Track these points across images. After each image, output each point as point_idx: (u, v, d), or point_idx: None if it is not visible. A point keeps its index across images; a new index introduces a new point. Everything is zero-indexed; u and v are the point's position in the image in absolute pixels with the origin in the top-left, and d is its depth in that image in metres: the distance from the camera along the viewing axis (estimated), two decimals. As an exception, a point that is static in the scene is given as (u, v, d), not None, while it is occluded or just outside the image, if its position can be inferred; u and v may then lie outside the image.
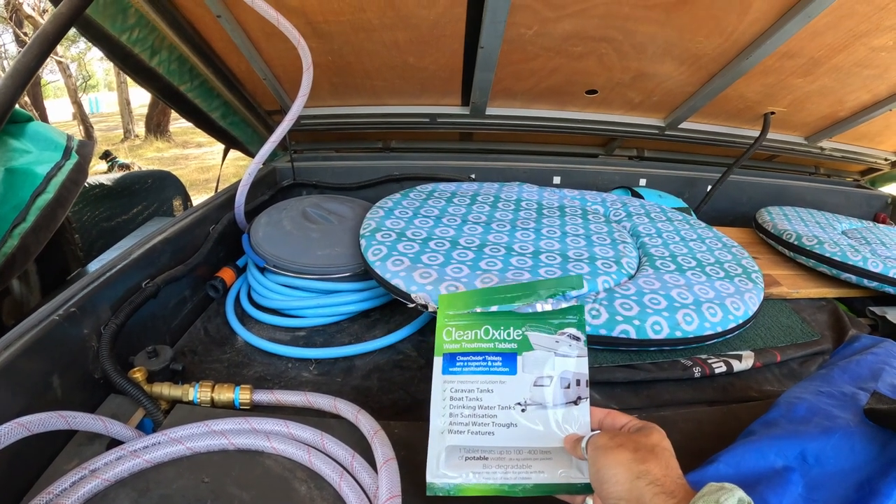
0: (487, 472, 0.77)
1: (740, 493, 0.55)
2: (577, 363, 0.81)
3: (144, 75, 1.75)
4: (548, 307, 0.86)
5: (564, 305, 0.86)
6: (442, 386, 0.82)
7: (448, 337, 0.85)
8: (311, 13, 1.59)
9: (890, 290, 1.53)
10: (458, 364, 0.83)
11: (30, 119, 1.71)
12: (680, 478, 0.63)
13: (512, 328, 0.84)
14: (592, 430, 0.76)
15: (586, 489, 0.74)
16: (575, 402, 0.79)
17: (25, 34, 12.04)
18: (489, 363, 0.82)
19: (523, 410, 0.79)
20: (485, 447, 0.78)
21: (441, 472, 0.77)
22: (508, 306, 0.86)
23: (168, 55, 1.75)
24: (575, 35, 1.69)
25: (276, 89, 1.96)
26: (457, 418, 0.79)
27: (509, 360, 0.82)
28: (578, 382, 0.79)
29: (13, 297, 1.74)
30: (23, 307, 1.75)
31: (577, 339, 0.82)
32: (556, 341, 0.82)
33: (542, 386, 0.80)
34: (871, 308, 1.54)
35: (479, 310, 0.86)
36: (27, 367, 0.90)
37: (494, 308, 0.86)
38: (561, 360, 0.81)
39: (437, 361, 0.83)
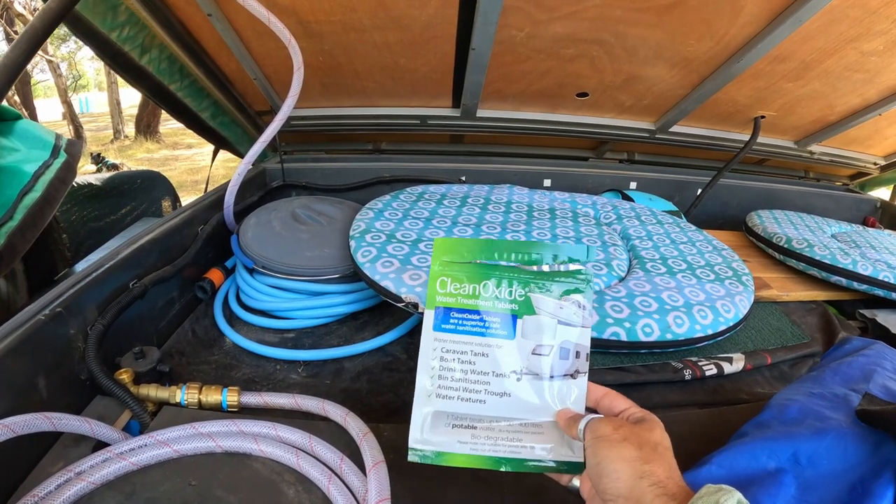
0: (475, 443, 0.72)
1: (738, 496, 0.55)
2: (580, 333, 0.75)
3: (134, 74, 1.74)
4: (557, 268, 0.79)
5: (572, 268, 0.78)
6: (432, 344, 0.76)
7: (442, 288, 0.77)
8: (303, 13, 1.58)
9: (879, 292, 1.53)
10: (451, 321, 0.76)
11: (18, 117, 1.70)
12: (680, 480, 0.62)
13: (516, 285, 0.77)
14: (588, 409, 0.74)
15: (576, 468, 0.71)
16: (573, 376, 0.74)
17: (16, 32, 11.98)
18: (487, 324, 0.76)
19: (518, 380, 0.74)
20: (474, 415, 0.74)
21: (425, 438, 0.73)
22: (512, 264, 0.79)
23: (158, 54, 1.74)
24: (566, 37, 1.69)
25: (266, 89, 1.95)
26: (446, 381, 0.74)
27: (508, 322, 0.76)
28: (578, 355, 0.75)
29: (-1, 296, 1.73)
30: (9, 307, 1.74)
31: (583, 307, 0.76)
32: (561, 307, 0.76)
33: (540, 355, 0.74)
34: (861, 311, 1.55)
35: (479, 262, 0.79)
36: (12, 368, 0.89)
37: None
38: (563, 329, 0.75)
39: (429, 315, 0.77)
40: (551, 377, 0.74)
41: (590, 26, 1.64)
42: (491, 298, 0.76)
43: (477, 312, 0.76)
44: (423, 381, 0.75)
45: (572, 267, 0.78)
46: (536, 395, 0.74)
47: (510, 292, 0.76)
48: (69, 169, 1.67)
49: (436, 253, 0.78)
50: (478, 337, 0.75)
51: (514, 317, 0.76)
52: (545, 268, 0.78)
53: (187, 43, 1.74)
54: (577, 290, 0.77)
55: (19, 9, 11.12)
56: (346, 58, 1.81)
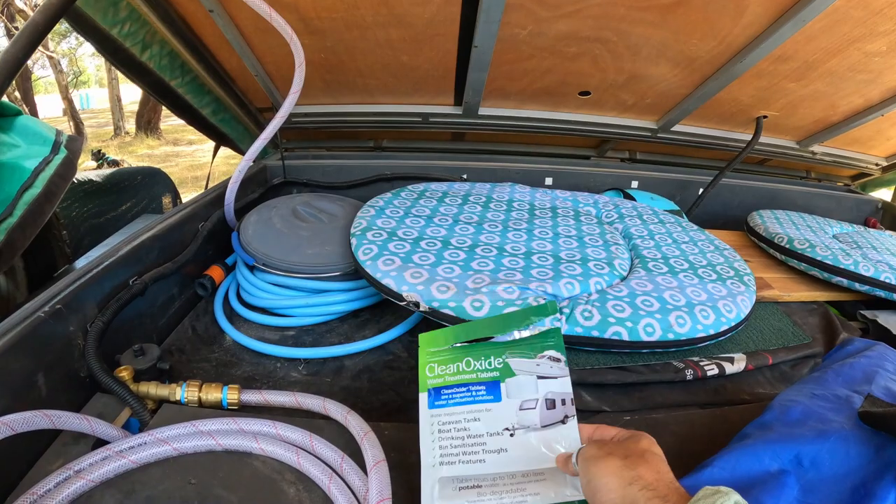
0: (482, 501, 0.75)
1: (736, 497, 0.54)
2: (560, 384, 0.82)
3: (135, 70, 1.74)
4: (526, 334, 0.89)
5: (540, 330, 0.88)
6: (429, 420, 0.83)
7: (431, 373, 0.87)
8: (305, 9, 1.58)
9: (880, 293, 1.53)
10: (443, 397, 0.84)
11: (19, 113, 1.69)
12: (672, 482, 0.62)
13: (493, 357, 0.86)
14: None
15: None
16: (562, 422, 0.79)
17: (16, 28, 11.97)
18: (473, 393, 0.83)
19: (512, 435, 0.79)
20: (477, 475, 0.77)
21: None
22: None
23: (159, 50, 1.73)
24: (569, 35, 1.69)
25: (267, 86, 1.95)
26: (447, 450, 0.80)
27: (493, 387, 0.83)
28: (563, 402, 0.80)
29: (-1, 292, 1.72)
30: (9, 303, 1.74)
31: (558, 360, 0.84)
32: (538, 364, 0.84)
33: (528, 409, 0.81)
34: (862, 311, 1.55)
35: (457, 345, 0.89)
36: (11, 365, 0.89)
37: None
38: (544, 382, 0.82)
39: (423, 397, 0.85)
40: (542, 427, 0.79)
41: (593, 24, 1.63)
42: (473, 372, 0.85)
43: (463, 385, 0.85)
44: (426, 455, 0.80)
45: (541, 329, 0.88)
46: (531, 445, 0.79)
47: (489, 363, 0.86)
48: (69, 165, 1.66)
49: (421, 346, 0.90)
50: (468, 406, 0.83)
51: (498, 382, 0.84)
52: (517, 335, 0.88)
53: (188, 39, 1.73)
54: (550, 347, 0.86)
55: (20, 5, 11.11)
56: (349, 55, 1.81)
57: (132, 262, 1.26)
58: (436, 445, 0.80)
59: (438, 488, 0.77)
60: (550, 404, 0.80)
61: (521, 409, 0.80)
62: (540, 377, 0.83)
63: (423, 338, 0.91)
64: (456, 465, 0.78)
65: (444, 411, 0.83)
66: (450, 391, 0.85)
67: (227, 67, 1.93)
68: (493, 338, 0.89)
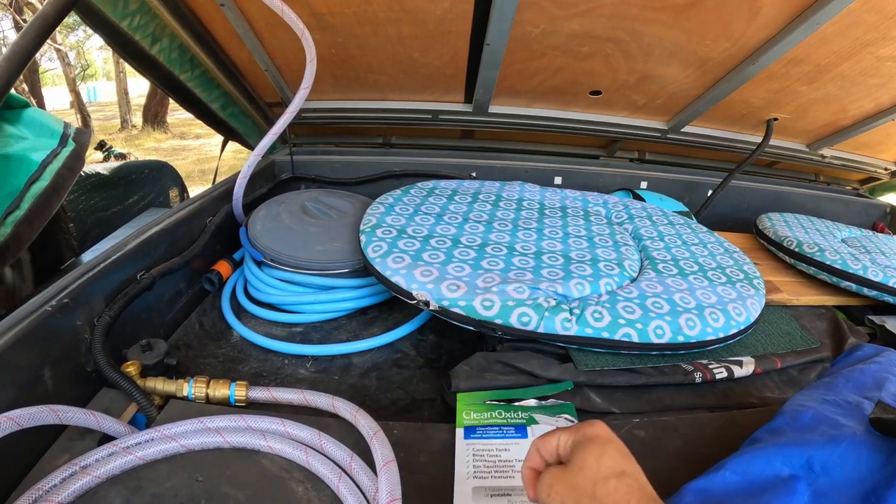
0: None
1: None
2: None
3: (144, 63, 1.73)
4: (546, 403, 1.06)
5: (557, 404, 1.06)
6: (465, 447, 0.92)
7: (467, 416, 1.00)
8: (316, 4, 1.57)
9: (889, 299, 1.52)
10: (476, 433, 0.95)
11: (26, 105, 1.69)
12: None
13: (520, 411, 1.01)
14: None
15: None
16: None
17: (25, 21, 11.99)
18: (504, 431, 0.96)
19: None
20: (507, 486, 0.85)
21: None
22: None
23: (169, 43, 1.73)
24: (582, 34, 1.68)
25: (277, 81, 1.95)
26: (480, 468, 0.88)
27: (520, 429, 0.96)
28: None
29: (5, 285, 1.72)
30: (15, 296, 1.74)
31: (572, 420, 1.00)
32: (556, 420, 0.99)
33: None
34: (870, 317, 1.54)
35: (489, 402, 1.04)
36: (17, 359, 0.88)
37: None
38: None
39: (459, 432, 0.96)
40: None
41: (606, 24, 1.63)
42: (504, 419, 0.99)
43: (496, 426, 0.97)
44: (461, 469, 0.88)
45: (559, 401, 1.06)
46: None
47: (517, 414, 1.00)
48: (77, 158, 1.66)
49: (459, 400, 1.04)
50: (498, 440, 0.94)
51: (525, 426, 0.97)
52: (532, 402, 1.05)
53: (198, 33, 1.73)
54: (565, 412, 1.02)
55: (29, -3, 11.13)
56: (360, 51, 1.80)
57: (140, 257, 1.25)
58: (470, 465, 0.89)
59: (472, 494, 0.84)
60: None
61: None
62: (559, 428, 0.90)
63: (461, 397, 1.05)
64: (488, 479, 0.86)
65: (478, 442, 0.93)
66: (483, 429, 0.96)
67: (236, 62, 1.93)
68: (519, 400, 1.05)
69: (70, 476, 0.77)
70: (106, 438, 0.89)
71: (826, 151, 2.44)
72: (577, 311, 1.16)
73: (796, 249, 1.73)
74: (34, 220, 1.48)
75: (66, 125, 1.73)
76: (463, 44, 1.74)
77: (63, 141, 1.65)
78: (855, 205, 2.51)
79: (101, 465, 0.79)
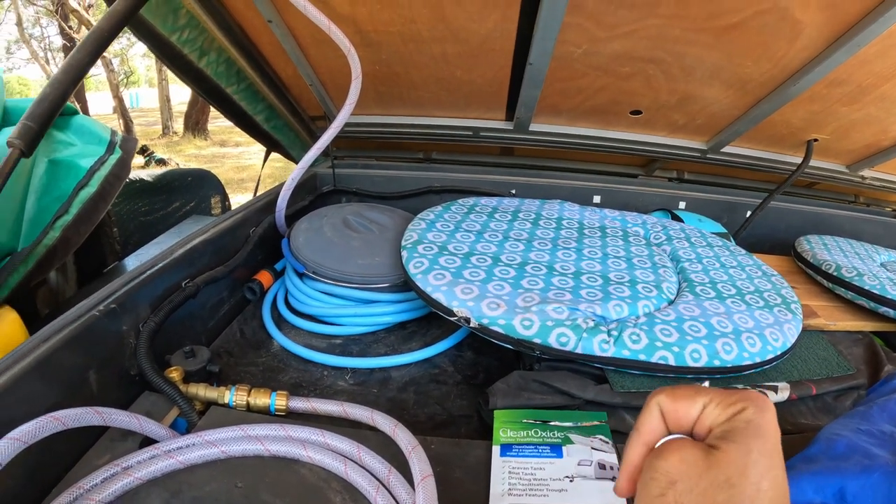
0: None
1: None
2: (609, 456, 0.96)
3: (192, 76, 1.76)
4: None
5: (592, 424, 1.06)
6: (500, 464, 0.93)
7: (504, 434, 1.00)
8: (362, 22, 1.59)
9: (927, 325, 1.50)
10: (512, 451, 0.96)
11: (75, 112, 1.73)
12: None
13: (556, 431, 1.02)
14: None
15: None
16: (613, 479, 0.91)
17: (70, 27, 12.25)
18: (539, 450, 0.97)
19: (571, 481, 0.90)
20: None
21: None
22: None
23: (216, 57, 1.76)
24: (624, 55, 1.68)
25: (321, 95, 1.97)
26: (515, 486, 0.89)
27: (556, 448, 0.97)
28: (612, 468, 0.93)
29: (49, 286, 1.76)
30: (57, 296, 1.77)
31: (606, 442, 0.99)
32: (591, 441, 0.99)
33: (584, 465, 0.93)
34: (908, 344, 1.52)
35: (526, 420, 1.05)
36: (64, 361, 0.91)
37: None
38: (597, 452, 0.96)
39: (496, 449, 0.97)
40: (597, 479, 0.91)
41: (648, 45, 1.63)
42: (540, 437, 1.00)
43: (531, 445, 0.98)
44: (496, 486, 0.89)
45: (594, 423, 1.05)
46: (588, 489, 0.90)
47: (553, 434, 1.01)
48: (124, 165, 1.70)
49: (496, 418, 1.05)
50: (533, 459, 0.95)
51: (560, 445, 0.98)
52: (568, 422, 1.05)
53: (245, 47, 1.76)
54: (600, 432, 1.02)
55: (74, 4, 11.35)
56: (403, 68, 1.82)
57: (185, 265, 1.28)
58: (505, 482, 0.89)
59: None
60: (602, 466, 0.93)
61: (578, 465, 0.93)
62: (594, 448, 0.97)
63: (499, 414, 1.06)
64: (523, 497, 0.87)
65: (513, 460, 0.94)
66: (519, 447, 0.97)
67: (282, 76, 1.96)
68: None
69: (111, 476, 0.79)
70: (147, 441, 0.91)
71: (866, 172, 2.41)
72: (615, 333, 1.16)
73: (835, 273, 1.70)
74: (81, 224, 1.52)
75: (114, 133, 1.77)
76: (506, 62, 1.75)
77: (110, 148, 1.69)
78: (894, 227, 2.48)
79: (143, 466, 0.80)
